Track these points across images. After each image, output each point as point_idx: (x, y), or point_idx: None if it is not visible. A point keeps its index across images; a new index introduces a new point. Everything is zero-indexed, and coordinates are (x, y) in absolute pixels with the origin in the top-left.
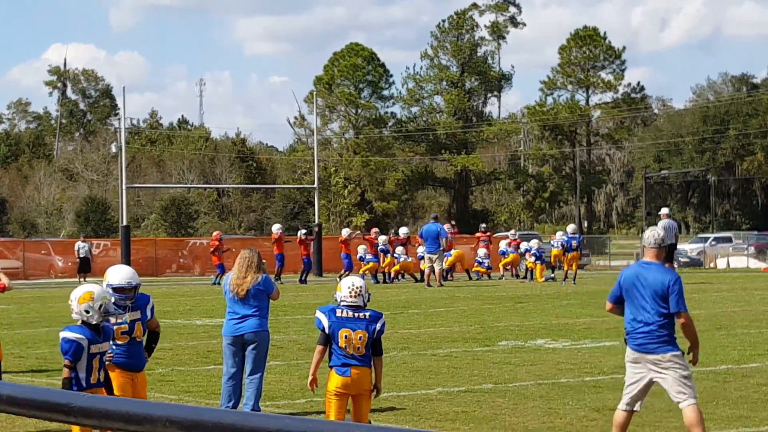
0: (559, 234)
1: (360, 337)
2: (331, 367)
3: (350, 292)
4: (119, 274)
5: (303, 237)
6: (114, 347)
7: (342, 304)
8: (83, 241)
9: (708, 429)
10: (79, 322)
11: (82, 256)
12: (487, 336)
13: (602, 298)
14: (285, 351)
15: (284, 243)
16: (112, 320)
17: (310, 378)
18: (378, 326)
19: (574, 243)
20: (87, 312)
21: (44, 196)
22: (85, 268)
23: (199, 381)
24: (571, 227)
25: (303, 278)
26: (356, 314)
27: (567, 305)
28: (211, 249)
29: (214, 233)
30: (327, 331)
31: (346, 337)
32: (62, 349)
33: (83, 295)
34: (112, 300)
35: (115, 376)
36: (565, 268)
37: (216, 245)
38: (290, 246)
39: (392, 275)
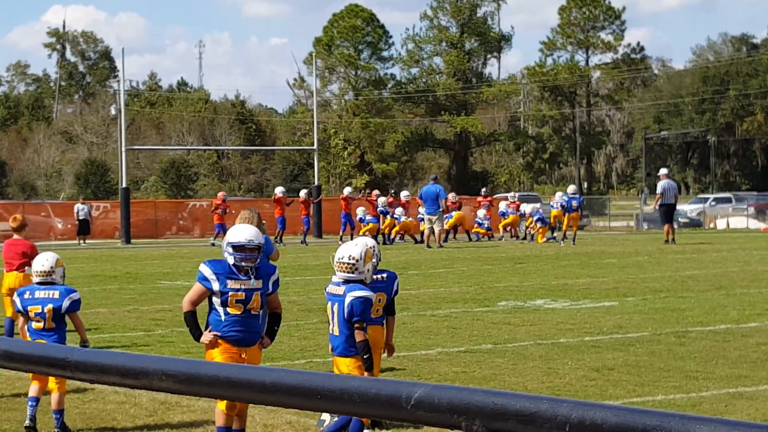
0: (558, 195)
1: (380, 300)
2: None
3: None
4: (240, 231)
5: (305, 197)
6: (223, 318)
7: None
8: (82, 204)
9: (707, 388)
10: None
11: (81, 218)
12: (487, 297)
13: (601, 258)
14: (284, 312)
15: (285, 206)
16: (230, 284)
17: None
18: (394, 287)
19: (574, 203)
20: (368, 270)
21: (44, 159)
22: (85, 230)
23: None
24: (571, 188)
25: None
26: (374, 276)
27: (566, 266)
28: (212, 207)
29: (219, 193)
30: None
31: None
32: (356, 310)
33: (367, 252)
34: (232, 260)
35: (219, 352)
36: (564, 228)
37: (218, 204)
38: (291, 207)
39: (392, 236)
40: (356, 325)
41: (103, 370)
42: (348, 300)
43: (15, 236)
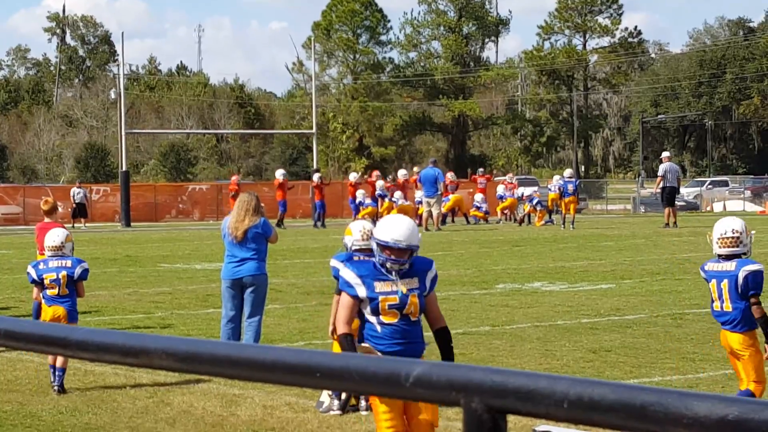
0: (556, 178)
1: None
2: None
3: (362, 236)
4: (389, 228)
5: (318, 182)
6: (379, 329)
7: (353, 248)
8: (79, 187)
9: (704, 369)
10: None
11: (77, 201)
12: (485, 279)
13: (599, 241)
14: (284, 294)
15: (287, 189)
16: (379, 287)
17: (331, 328)
18: None
19: (570, 187)
20: (750, 242)
21: (44, 143)
22: (82, 213)
23: (199, 324)
24: (567, 172)
25: (321, 222)
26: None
27: (564, 248)
28: (230, 193)
29: (233, 177)
30: None
31: None
32: (752, 284)
33: (746, 226)
34: (378, 259)
35: None
36: (563, 212)
37: (236, 189)
38: (293, 191)
39: None
40: (753, 300)
41: (103, 348)
42: (743, 274)
43: (46, 219)
